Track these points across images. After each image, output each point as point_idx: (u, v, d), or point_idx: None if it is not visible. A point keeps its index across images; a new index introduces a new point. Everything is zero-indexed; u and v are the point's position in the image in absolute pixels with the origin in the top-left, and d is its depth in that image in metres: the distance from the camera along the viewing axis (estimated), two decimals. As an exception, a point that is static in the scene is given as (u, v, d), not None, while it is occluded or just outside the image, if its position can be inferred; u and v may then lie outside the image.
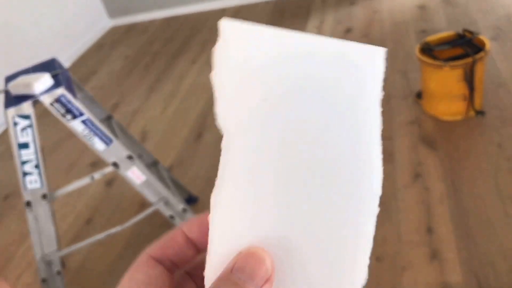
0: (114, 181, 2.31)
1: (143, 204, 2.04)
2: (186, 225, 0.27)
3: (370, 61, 0.23)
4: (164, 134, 2.59)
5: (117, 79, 3.44)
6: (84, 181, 1.69)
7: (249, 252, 0.22)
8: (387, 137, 2.07)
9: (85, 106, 1.38)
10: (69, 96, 1.33)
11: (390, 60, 2.76)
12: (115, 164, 1.46)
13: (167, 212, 1.59)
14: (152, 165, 1.82)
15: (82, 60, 3.97)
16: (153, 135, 2.61)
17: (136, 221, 1.61)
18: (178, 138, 2.51)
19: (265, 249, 0.22)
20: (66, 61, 3.90)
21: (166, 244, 0.27)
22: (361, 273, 0.23)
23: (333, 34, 3.07)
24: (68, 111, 1.35)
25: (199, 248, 0.27)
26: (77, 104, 1.35)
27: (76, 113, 1.36)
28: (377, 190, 0.23)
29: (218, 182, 0.24)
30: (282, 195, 0.23)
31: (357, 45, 0.23)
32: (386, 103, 2.27)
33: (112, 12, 4.51)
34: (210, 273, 0.23)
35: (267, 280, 0.22)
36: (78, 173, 2.44)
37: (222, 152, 0.24)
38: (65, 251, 1.60)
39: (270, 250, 0.22)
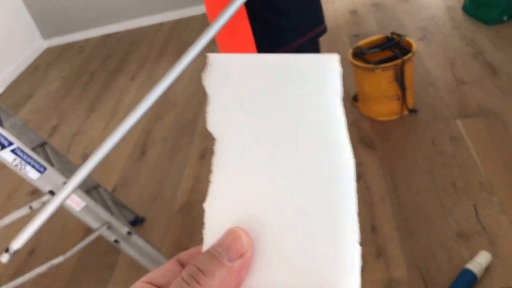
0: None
1: (88, 230, 1.97)
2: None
3: (327, 66, 0.27)
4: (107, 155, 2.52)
5: (54, 101, 3.32)
6: (22, 211, 1.62)
7: (229, 230, 0.25)
8: (327, 141, 2.12)
9: (14, 134, 1.33)
10: (-5, 125, 1.27)
11: (327, 66, 2.83)
12: (51, 192, 1.41)
13: (111, 237, 1.54)
14: (93, 189, 1.77)
15: (17, 84, 3.81)
16: (95, 157, 2.53)
17: (79, 249, 1.56)
18: (121, 157, 2.46)
19: (244, 228, 0.25)
20: (-2, 86, 3.73)
21: (194, 252, 0.30)
22: (352, 256, 0.24)
23: (271, 42, 3.11)
24: (-4, 141, 1.29)
25: None
26: (4, 133, 1.29)
27: (4, 142, 1.30)
28: (350, 168, 0.25)
29: (211, 175, 0.28)
30: (264, 183, 0.26)
31: (315, 56, 0.27)
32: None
33: (46, 32, 4.36)
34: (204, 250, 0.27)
35: (242, 254, 0.24)
36: (17, 204, 2.33)
37: (215, 152, 0.28)
38: (6, 287, 1.52)
39: (252, 231, 0.25)
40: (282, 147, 0.26)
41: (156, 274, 0.28)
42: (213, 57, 0.28)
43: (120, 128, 0.71)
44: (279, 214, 0.25)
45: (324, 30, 1.24)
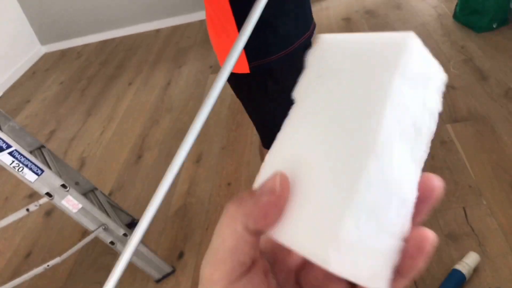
0: (53, 211, 2.25)
1: (85, 232, 2.00)
2: None
3: (397, 43, 0.27)
4: (103, 159, 2.55)
5: (52, 106, 3.35)
6: (19, 214, 1.64)
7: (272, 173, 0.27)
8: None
9: (12, 138, 1.36)
10: (-6, 129, 1.30)
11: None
12: (48, 194, 1.44)
13: (107, 238, 1.57)
14: (90, 192, 1.80)
15: (15, 89, 3.84)
16: (92, 161, 2.56)
17: (75, 251, 1.58)
18: (117, 161, 2.49)
19: (284, 173, 0.27)
20: (-4, 91, 3.76)
21: None
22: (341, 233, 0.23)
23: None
24: (-6, 144, 1.32)
25: None
26: (2, 136, 1.32)
27: (2, 145, 1.33)
28: (372, 144, 0.25)
29: (280, 131, 0.30)
30: (315, 141, 0.28)
31: (390, 34, 0.28)
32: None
33: (44, 38, 4.40)
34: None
35: (271, 192, 0.25)
36: (15, 207, 2.35)
37: (289, 114, 0.30)
38: (2, 288, 1.54)
39: (296, 180, 0.26)
40: (338, 116, 0.28)
41: None
42: (322, 37, 0.31)
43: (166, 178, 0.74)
44: (317, 170, 0.26)
45: (313, 30, 1.24)
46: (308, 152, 0.27)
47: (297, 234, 0.25)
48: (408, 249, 0.24)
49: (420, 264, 0.24)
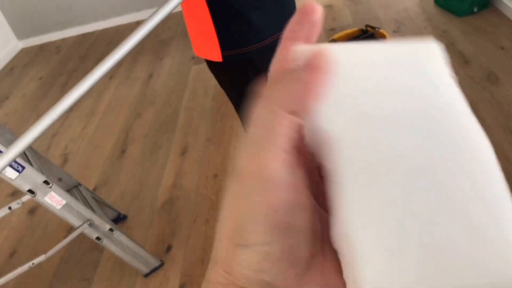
0: (37, 209, 2.21)
1: (70, 229, 1.97)
2: None
3: (428, 54, 0.24)
4: (87, 154, 2.51)
5: (32, 102, 3.28)
6: (1, 212, 1.61)
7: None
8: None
9: (-9, 135, 1.32)
10: (-29, 126, 1.27)
11: (304, 59, 2.85)
12: (31, 191, 1.41)
13: (93, 234, 1.55)
14: (74, 188, 1.77)
15: (-8, 86, 3.76)
16: (75, 156, 2.52)
17: (60, 248, 1.56)
18: (101, 156, 2.45)
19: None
20: (-27, 89, 3.66)
21: None
22: None
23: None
24: (-28, 142, 1.28)
25: None
26: (-19, 133, 1.28)
27: (-19, 143, 1.29)
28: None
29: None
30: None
31: (412, 44, 0.24)
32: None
33: (21, 33, 4.30)
34: None
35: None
36: (-3, 205, 2.31)
37: (330, 157, 0.22)
38: (-13, 289, 1.51)
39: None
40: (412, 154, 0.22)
41: None
42: (331, 47, 0.25)
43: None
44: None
45: None
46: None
47: None
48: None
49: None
